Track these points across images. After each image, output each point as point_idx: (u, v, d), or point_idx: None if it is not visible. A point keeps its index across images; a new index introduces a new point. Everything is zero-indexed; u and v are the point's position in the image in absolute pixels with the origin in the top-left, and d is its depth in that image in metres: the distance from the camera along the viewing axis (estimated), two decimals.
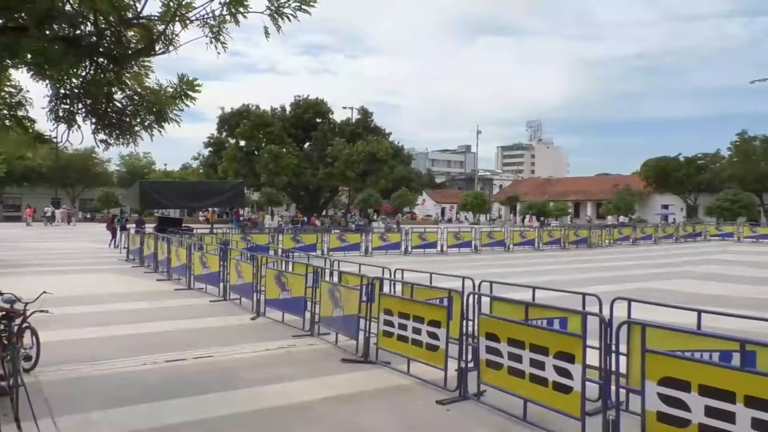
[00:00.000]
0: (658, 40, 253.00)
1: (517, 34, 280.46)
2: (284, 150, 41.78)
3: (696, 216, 58.94)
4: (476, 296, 6.66)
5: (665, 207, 65.41)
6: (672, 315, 7.03)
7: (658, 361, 4.36)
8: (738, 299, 13.22)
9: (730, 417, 3.90)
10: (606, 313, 5.65)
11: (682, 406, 4.16)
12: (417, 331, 6.73)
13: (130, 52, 5.78)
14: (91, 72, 5.92)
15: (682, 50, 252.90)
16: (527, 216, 66.51)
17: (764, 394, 3.75)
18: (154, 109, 6.10)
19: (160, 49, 5.69)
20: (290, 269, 10.59)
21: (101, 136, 6.34)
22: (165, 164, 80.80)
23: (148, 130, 6.30)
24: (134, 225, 24.21)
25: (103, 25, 5.53)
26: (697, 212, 60.26)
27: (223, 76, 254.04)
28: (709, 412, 4.00)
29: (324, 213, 51.97)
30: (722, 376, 3.99)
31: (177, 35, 5.67)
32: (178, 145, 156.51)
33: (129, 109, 6.26)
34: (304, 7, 5.35)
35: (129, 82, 6.17)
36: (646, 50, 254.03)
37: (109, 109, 6.20)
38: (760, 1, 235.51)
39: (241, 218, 46.12)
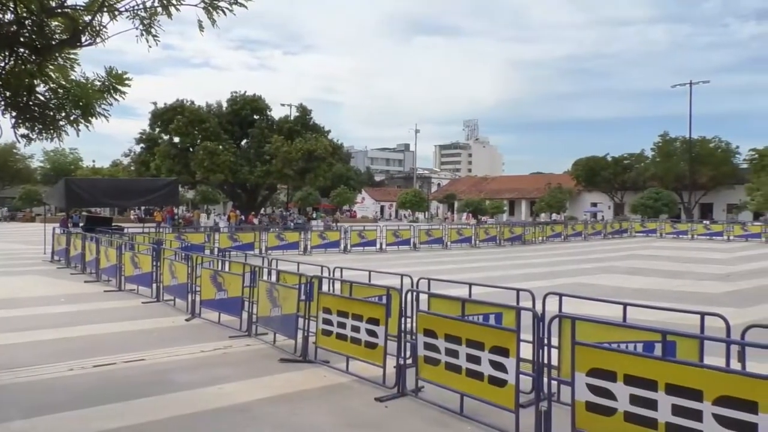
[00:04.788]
0: (587, 43, 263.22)
1: (454, 35, 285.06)
2: (220, 147, 40.75)
3: (622, 213, 61.68)
4: (414, 293, 6.73)
5: (594, 205, 68.14)
6: (600, 308, 7.35)
7: (586, 353, 4.53)
8: (660, 292, 13.95)
9: (652, 404, 4.09)
10: (539, 307, 5.84)
11: (609, 395, 4.34)
12: (356, 329, 6.74)
13: (53, 42, 5.51)
14: (11, 63, 5.60)
15: (609, 54, 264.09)
16: (465, 214, 67.79)
17: (684, 382, 3.96)
18: (80, 103, 5.83)
19: (86, 40, 5.45)
20: (227, 269, 10.39)
21: (22, 130, 6.02)
22: (93, 161, 77.74)
23: (74, 125, 6.02)
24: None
25: (23, 14, 5.25)
26: (624, 210, 63.10)
27: (155, 69, 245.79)
28: (634, 400, 4.19)
29: (262, 211, 51.15)
30: (645, 365, 4.18)
31: (105, 27, 5.46)
32: (107, 141, 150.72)
33: (53, 102, 5.96)
34: (240, 0, 5.26)
35: (53, 75, 5.87)
36: (576, 52, 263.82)
37: (30, 103, 5.89)
38: (681, 8, 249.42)
39: (176, 216, 44.81)
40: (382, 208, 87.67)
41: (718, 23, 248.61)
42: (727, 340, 4.67)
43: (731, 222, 42.16)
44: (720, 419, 3.77)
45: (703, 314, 5.20)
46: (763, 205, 46.94)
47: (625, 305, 5.74)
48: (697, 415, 3.87)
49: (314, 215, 57.97)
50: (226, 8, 5.26)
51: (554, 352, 5.43)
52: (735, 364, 4.49)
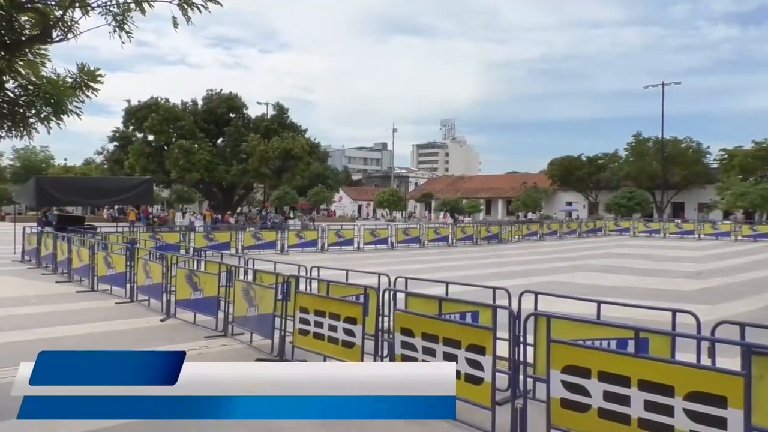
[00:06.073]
0: (560, 44, 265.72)
1: (430, 35, 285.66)
2: (196, 145, 40.35)
3: (597, 212, 62.53)
4: (391, 292, 6.74)
5: (569, 204, 68.94)
6: (575, 306, 7.43)
7: (561, 350, 4.58)
8: (633, 290, 14.17)
9: (625, 401, 4.15)
10: (515, 306, 5.89)
11: (583, 392, 4.40)
12: (333, 328, 6.72)
13: (23, 38, 5.39)
14: None
15: (582, 55, 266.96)
16: (442, 213, 68.07)
17: (656, 378, 4.02)
18: (51, 100, 5.71)
19: (57, 36, 5.35)
20: (202, 268, 10.28)
21: None
22: (65, 159, 76.28)
23: (45, 123, 5.90)
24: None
25: None
26: (598, 209, 63.96)
27: (129, 66, 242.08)
28: (607, 396, 4.25)
29: (239, 210, 50.76)
30: (619, 362, 4.24)
31: (77, 22, 5.36)
32: (79, 139, 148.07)
33: (22, 99, 5.84)
34: None
35: (22, 71, 5.75)
36: (549, 54, 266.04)
37: None
38: (651, 11, 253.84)
39: (150, 216, 44.18)
40: (359, 207, 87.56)
41: (689, 26, 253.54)
42: (697, 336, 4.77)
43: (702, 221, 43.00)
44: (691, 414, 3.84)
45: (674, 311, 5.30)
46: (733, 204, 47.98)
47: (599, 303, 5.82)
48: (668, 411, 3.94)
49: (292, 214, 57.70)
50: (201, 5, 5.20)
51: (530, 350, 5.48)
52: (705, 360, 4.59)
